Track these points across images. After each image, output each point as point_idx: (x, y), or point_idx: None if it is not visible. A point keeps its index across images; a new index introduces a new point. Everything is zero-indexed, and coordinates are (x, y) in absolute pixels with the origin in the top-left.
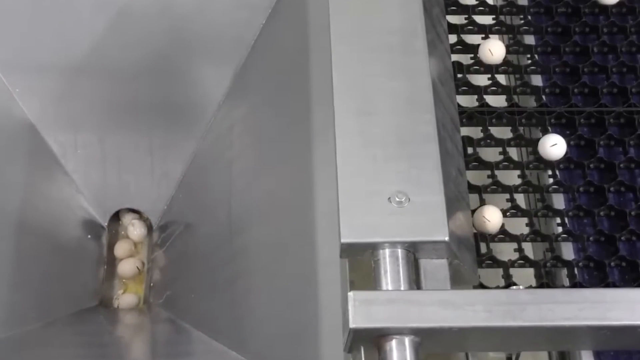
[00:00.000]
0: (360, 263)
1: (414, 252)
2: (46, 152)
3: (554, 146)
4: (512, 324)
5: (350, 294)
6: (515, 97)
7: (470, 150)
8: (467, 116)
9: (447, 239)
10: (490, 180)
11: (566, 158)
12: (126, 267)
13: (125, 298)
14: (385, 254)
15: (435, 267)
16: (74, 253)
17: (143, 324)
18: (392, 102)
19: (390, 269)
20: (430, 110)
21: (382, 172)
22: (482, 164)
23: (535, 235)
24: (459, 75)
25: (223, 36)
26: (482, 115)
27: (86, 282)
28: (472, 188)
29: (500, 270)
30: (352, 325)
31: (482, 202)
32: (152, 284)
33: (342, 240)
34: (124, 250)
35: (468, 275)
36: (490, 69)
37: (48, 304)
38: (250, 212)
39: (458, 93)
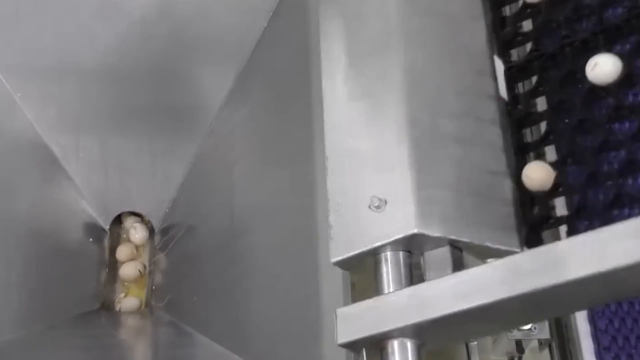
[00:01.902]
0: (360, 264)
1: (410, 250)
2: (48, 156)
3: (595, 67)
4: (483, 302)
5: (337, 311)
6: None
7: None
8: (518, 69)
9: (415, 230)
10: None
11: (625, 75)
12: (128, 270)
13: (127, 301)
14: (383, 257)
15: (438, 256)
16: (75, 256)
17: (145, 327)
18: (363, 103)
19: (391, 270)
20: (402, 105)
21: (361, 180)
22: (538, 116)
23: None
24: (507, 29)
25: (224, 39)
26: (530, 63)
27: (88, 286)
28: (521, 147)
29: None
30: (339, 341)
31: (538, 157)
32: (153, 287)
33: (332, 260)
34: (125, 254)
35: (501, 248)
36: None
37: (50, 307)
38: (252, 214)
39: (511, 47)
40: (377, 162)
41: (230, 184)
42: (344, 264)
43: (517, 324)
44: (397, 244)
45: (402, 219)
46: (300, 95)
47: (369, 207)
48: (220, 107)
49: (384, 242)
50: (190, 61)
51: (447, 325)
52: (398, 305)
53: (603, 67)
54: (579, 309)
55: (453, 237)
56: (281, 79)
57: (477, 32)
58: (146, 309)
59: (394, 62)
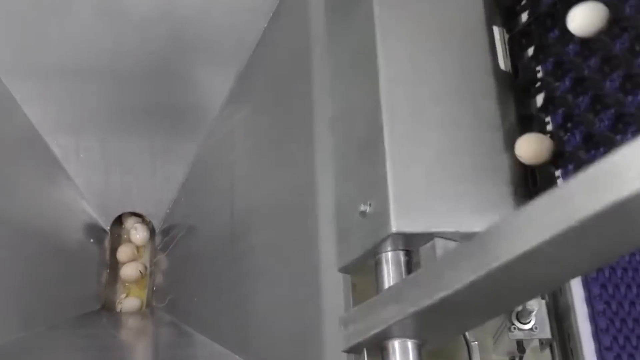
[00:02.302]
0: (363, 267)
1: (404, 248)
2: (49, 157)
3: (573, 20)
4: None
5: (340, 317)
6: None
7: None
8: (519, 36)
9: (394, 230)
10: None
11: (613, 21)
12: (129, 270)
13: (128, 302)
14: (383, 258)
15: (430, 250)
16: (76, 257)
17: (146, 328)
18: (350, 113)
19: (391, 270)
20: (377, 110)
21: (352, 188)
22: (540, 83)
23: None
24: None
25: (225, 40)
26: (529, 28)
27: (89, 286)
28: (523, 119)
29: None
30: (343, 348)
31: (541, 128)
32: (154, 288)
33: (338, 267)
34: (126, 254)
35: None
36: None
37: (51, 307)
38: (253, 215)
39: (513, 15)
40: (363, 165)
41: (231, 184)
42: (346, 270)
43: (499, 309)
44: (384, 245)
45: (383, 220)
46: (301, 95)
47: (359, 211)
48: (220, 107)
49: (371, 246)
50: (190, 61)
51: (427, 317)
52: (386, 304)
53: (580, 19)
54: (547, 288)
55: (435, 230)
56: (281, 79)
57: (473, 6)
58: (147, 309)
59: (381, 50)
